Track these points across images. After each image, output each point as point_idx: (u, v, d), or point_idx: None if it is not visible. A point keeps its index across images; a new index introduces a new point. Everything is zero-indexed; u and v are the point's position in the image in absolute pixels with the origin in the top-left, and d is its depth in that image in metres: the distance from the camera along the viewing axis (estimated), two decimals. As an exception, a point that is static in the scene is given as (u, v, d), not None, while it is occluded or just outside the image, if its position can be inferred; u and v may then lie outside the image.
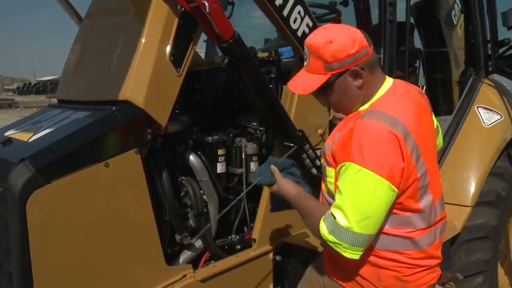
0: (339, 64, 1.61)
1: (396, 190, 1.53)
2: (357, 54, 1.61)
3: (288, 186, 1.79)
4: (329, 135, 1.82)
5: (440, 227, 1.74)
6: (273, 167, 1.84)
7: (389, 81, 1.73)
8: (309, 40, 1.67)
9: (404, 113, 1.60)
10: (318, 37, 1.65)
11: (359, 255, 1.55)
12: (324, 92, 1.69)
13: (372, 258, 1.65)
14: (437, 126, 1.97)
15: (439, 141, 2.03)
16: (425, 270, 1.67)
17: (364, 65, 1.63)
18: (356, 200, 1.51)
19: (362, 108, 1.68)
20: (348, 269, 1.72)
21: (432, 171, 1.68)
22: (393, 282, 1.65)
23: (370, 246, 1.62)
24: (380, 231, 1.61)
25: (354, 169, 1.51)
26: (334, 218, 1.53)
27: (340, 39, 1.61)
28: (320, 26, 1.94)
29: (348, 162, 1.53)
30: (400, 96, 1.68)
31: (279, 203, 1.95)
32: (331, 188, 1.70)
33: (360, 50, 1.61)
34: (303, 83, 1.70)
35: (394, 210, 1.60)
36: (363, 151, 1.50)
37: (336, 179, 1.64)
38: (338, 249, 1.54)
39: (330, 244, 1.54)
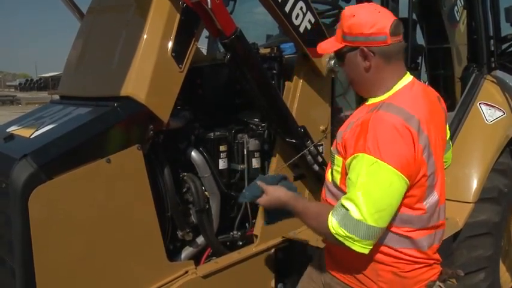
0: (351, 38, 1.66)
1: (409, 183, 1.53)
2: (370, 37, 1.62)
3: (278, 191, 1.79)
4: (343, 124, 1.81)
5: (440, 233, 1.74)
6: (259, 182, 1.84)
7: (409, 77, 1.73)
8: (345, 9, 1.73)
9: (420, 110, 1.60)
10: (350, 8, 1.72)
11: (368, 250, 1.52)
12: (341, 62, 1.77)
13: (369, 252, 1.64)
14: (448, 140, 1.95)
15: (448, 157, 1.99)
16: (424, 266, 1.67)
17: (376, 50, 1.63)
18: (371, 192, 1.49)
19: (378, 99, 1.68)
20: (347, 265, 1.72)
21: (440, 174, 1.68)
22: (392, 278, 1.65)
23: None
24: None
25: (368, 161, 1.49)
26: (347, 210, 1.50)
27: (362, 16, 1.64)
28: (322, 21, 1.94)
29: (362, 154, 1.51)
30: (417, 93, 1.68)
31: (274, 214, 1.91)
32: (337, 176, 1.69)
33: (374, 34, 1.62)
34: (325, 44, 1.81)
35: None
36: (379, 143, 1.49)
37: (343, 169, 1.64)
38: (348, 243, 1.50)
39: (340, 238, 1.50)
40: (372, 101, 1.70)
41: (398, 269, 1.64)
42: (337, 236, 1.51)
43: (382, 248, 1.63)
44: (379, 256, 1.63)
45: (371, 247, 1.52)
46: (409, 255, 1.64)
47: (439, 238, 1.74)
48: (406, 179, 1.50)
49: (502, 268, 3.50)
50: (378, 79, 1.68)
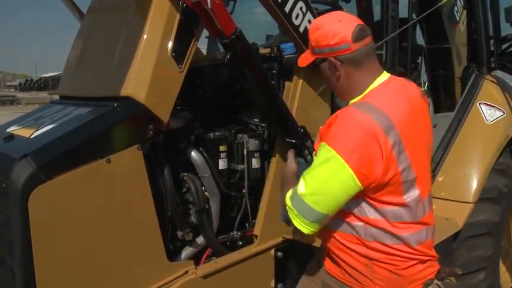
0: (318, 50, 1.74)
1: (359, 184, 1.56)
2: (335, 47, 1.67)
3: (289, 166, 1.90)
4: None
5: (430, 229, 1.75)
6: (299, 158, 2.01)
7: (384, 76, 1.75)
8: (311, 23, 1.83)
9: (392, 107, 1.63)
10: (315, 21, 1.82)
11: (308, 231, 1.61)
12: (318, 72, 1.85)
13: (362, 250, 1.67)
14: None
15: None
16: (419, 263, 1.68)
17: (344, 58, 1.68)
18: (317, 174, 1.61)
19: (356, 100, 1.72)
20: (343, 263, 1.74)
21: (420, 167, 1.68)
22: (388, 276, 1.66)
23: (358, 237, 1.66)
24: (365, 222, 1.65)
25: (326, 149, 1.59)
26: (298, 185, 1.63)
27: (325, 28, 1.71)
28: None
29: (324, 143, 1.61)
30: (392, 91, 1.71)
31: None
32: None
33: (338, 44, 1.66)
34: (301, 58, 1.88)
35: (377, 203, 1.63)
36: (337, 136, 1.59)
37: None
38: (290, 215, 1.63)
39: (287, 209, 1.64)
40: (350, 102, 1.75)
41: (393, 266, 1.66)
42: (286, 207, 1.65)
43: (375, 245, 1.65)
44: (371, 252, 1.66)
45: (312, 229, 1.62)
46: (401, 251, 1.65)
47: (431, 234, 1.75)
48: (355, 175, 1.54)
49: (502, 268, 3.50)
50: (351, 84, 1.73)
